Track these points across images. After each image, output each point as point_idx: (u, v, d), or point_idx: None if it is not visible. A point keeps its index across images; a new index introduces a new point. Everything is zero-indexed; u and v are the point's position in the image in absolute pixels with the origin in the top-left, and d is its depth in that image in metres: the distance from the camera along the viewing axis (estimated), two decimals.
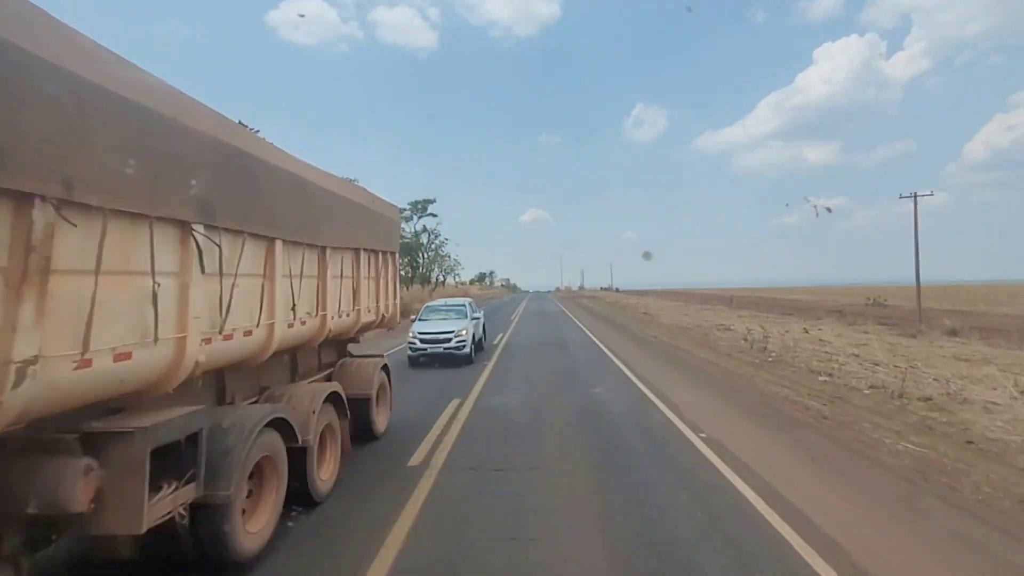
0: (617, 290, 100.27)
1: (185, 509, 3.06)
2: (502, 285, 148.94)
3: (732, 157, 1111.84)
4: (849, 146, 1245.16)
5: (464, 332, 12.98)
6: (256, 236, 3.93)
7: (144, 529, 2.66)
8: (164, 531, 2.92)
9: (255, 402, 4.47)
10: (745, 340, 16.19)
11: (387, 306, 7.19)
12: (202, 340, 3.25)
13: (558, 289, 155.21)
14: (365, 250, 6.26)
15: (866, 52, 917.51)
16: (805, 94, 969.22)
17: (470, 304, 15.42)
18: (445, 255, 53.34)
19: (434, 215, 50.68)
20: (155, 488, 2.77)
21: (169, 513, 2.88)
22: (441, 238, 52.94)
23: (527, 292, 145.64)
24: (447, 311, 14.34)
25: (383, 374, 6.85)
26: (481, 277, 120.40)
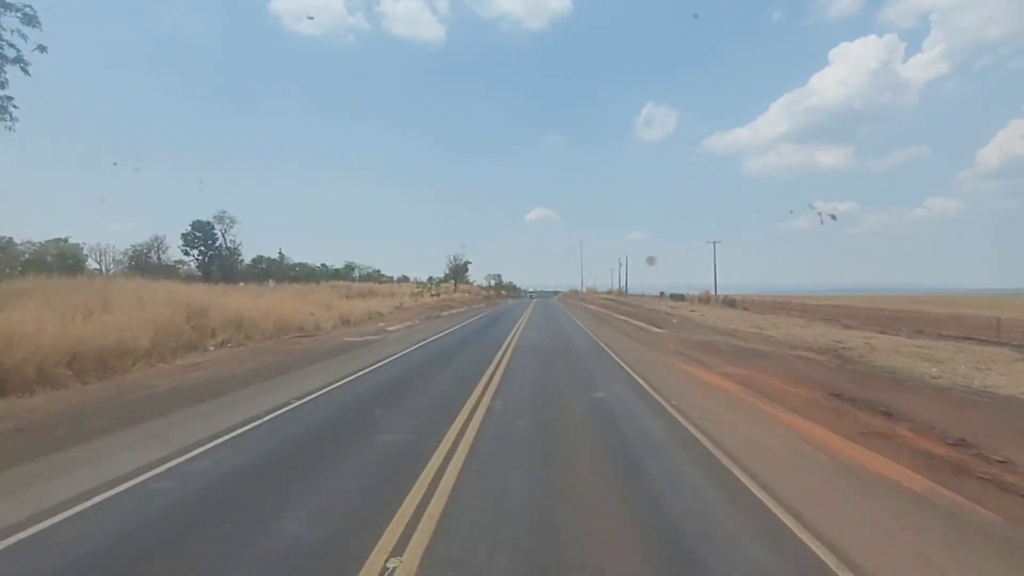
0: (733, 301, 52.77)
1: None
2: (493, 284, 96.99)
3: (743, 159, 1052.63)
4: (862, 151, 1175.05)
5: None
6: None
7: None
8: None
9: None
10: None
11: None
12: None
13: (575, 292, 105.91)
14: None
15: (884, 54, 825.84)
16: (820, 95, 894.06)
17: None
18: None
19: None
20: None
21: None
22: None
23: (529, 294, 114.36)
24: None
25: None
26: (455, 273, 76.21)
